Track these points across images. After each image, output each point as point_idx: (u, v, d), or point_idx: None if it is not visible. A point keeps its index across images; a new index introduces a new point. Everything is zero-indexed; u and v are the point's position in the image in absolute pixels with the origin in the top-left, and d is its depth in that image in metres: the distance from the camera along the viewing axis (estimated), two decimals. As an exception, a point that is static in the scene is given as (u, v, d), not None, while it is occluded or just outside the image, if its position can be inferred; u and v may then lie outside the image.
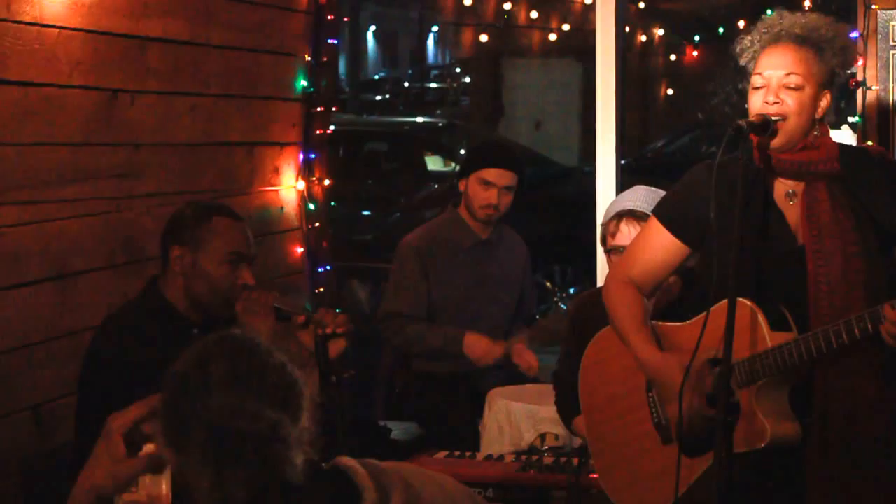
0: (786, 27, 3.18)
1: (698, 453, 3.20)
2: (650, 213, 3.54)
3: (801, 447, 3.11)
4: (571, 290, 10.15)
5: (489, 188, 4.96)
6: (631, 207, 3.84)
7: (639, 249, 3.40)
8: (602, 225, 4.00)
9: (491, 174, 4.96)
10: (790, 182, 3.19)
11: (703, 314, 3.09)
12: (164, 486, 2.28)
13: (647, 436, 3.34)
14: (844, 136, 5.17)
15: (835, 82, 3.19)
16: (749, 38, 3.23)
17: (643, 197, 3.86)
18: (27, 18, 3.88)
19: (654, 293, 3.45)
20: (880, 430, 3.09)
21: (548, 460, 3.96)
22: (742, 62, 3.24)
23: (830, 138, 3.21)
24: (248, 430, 1.92)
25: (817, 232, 3.11)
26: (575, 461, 3.87)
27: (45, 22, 3.96)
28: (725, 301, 3.01)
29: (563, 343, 4.23)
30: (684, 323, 3.30)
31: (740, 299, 3.03)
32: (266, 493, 1.93)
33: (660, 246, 3.35)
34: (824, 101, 3.16)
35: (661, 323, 3.37)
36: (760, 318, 3.07)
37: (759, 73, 3.16)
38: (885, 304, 2.90)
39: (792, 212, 3.18)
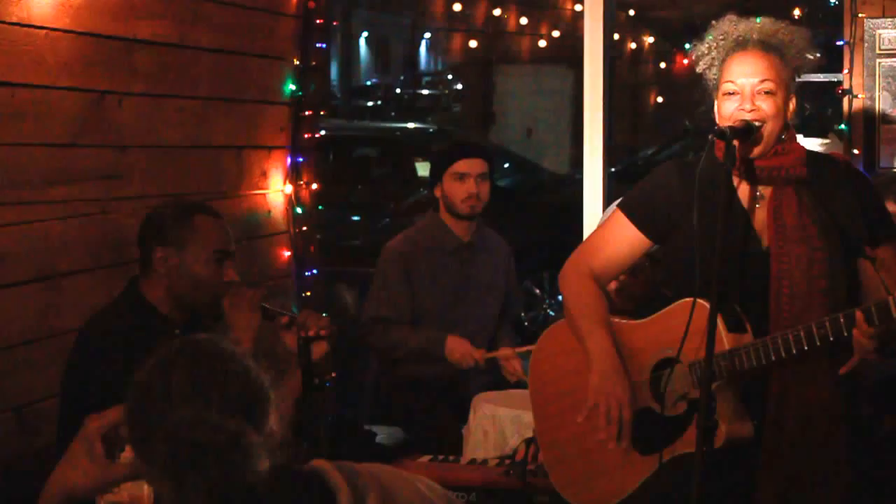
0: (742, 33, 3.21)
1: (650, 451, 3.22)
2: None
3: (754, 450, 3.13)
4: (560, 297, 10.14)
5: (465, 180, 4.99)
6: None
7: (602, 241, 3.43)
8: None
9: (462, 165, 5.00)
10: (758, 185, 3.22)
11: (658, 313, 3.14)
12: (146, 487, 2.29)
13: (598, 432, 3.34)
14: (830, 144, 5.20)
15: (793, 86, 3.23)
16: (705, 45, 3.27)
17: None
18: (14, 19, 3.88)
19: (609, 282, 3.49)
20: (833, 437, 3.11)
21: (531, 465, 3.95)
22: (699, 69, 3.27)
23: (798, 143, 3.23)
24: (208, 442, 1.91)
25: (783, 235, 3.13)
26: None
27: (33, 23, 3.96)
28: (682, 301, 3.08)
29: None
30: (640, 321, 3.33)
31: (698, 300, 3.06)
32: (230, 502, 1.92)
33: (624, 239, 3.37)
34: (792, 105, 3.21)
35: (617, 320, 3.39)
36: (719, 320, 3.09)
37: (731, 81, 3.18)
38: (855, 309, 2.92)
39: (758, 214, 3.21)
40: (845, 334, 2.93)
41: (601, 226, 3.52)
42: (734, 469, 3.16)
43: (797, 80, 3.24)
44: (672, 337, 3.10)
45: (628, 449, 3.24)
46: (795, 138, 3.24)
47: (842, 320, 2.93)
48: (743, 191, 3.23)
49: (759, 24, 3.22)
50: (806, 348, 2.97)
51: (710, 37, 3.25)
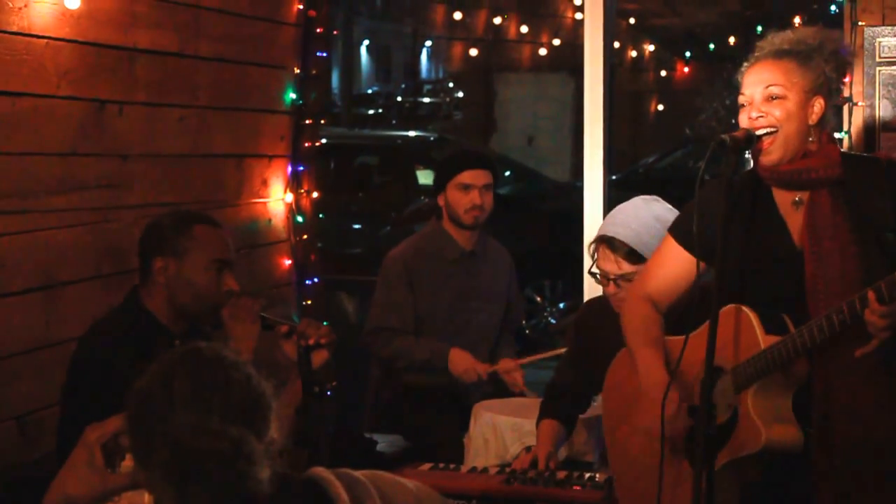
0: (776, 45, 3.21)
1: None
2: (629, 244, 3.72)
3: (807, 450, 3.11)
4: (561, 305, 10.16)
5: (469, 191, 5.00)
6: (611, 235, 3.86)
7: (655, 265, 3.47)
8: (591, 242, 4.03)
9: (467, 176, 5.00)
10: (795, 190, 3.21)
11: (706, 323, 3.11)
12: (147, 497, 2.28)
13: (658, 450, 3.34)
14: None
15: (831, 88, 3.19)
16: (746, 64, 3.27)
17: (632, 218, 3.85)
18: (15, 28, 3.89)
19: (671, 307, 3.47)
20: (885, 431, 3.08)
21: (532, 473, 3.95)
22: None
23: (833, 145, 3.20)
24: (211, 448, 1.91)
25: (816, 236, 3.13)
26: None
27: (34, 32, 3.97)
28: (725, 309, 3.08)
29: (567, 346, 4.26)
30: (691, 334, 3.30)
31: (735, 305, 3.08)
32: None
33: (673, 260, 3.40)
34: (817, 107, 3.15)
35: (671, 337, 3.39)
36: (754, 321, 3.10)
37: (742, 93, 3.20)
38: (867, 289, 2.91)
39: (795, 219, 3.20)
40: (861, 316, 2.93)
41: (657, 250, 3.53)
42: (791, 472, 3.14)
43: (834, 82, 3.19)
44: (718, 345, 3.06)
45: (686, 463, 3.23)
46: (832, 140, 3.21)
47: (857, 302, 2.92)
48: (780, 197, 3.23)
49: (794, 34, 3.21)
50: (828, 336, 2.96)
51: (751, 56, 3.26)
